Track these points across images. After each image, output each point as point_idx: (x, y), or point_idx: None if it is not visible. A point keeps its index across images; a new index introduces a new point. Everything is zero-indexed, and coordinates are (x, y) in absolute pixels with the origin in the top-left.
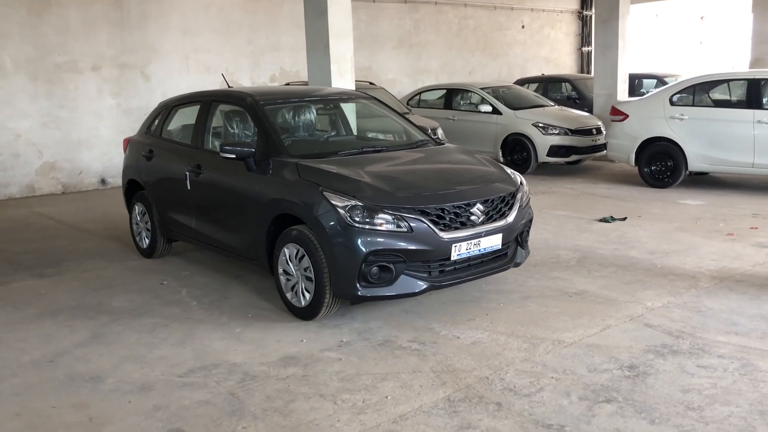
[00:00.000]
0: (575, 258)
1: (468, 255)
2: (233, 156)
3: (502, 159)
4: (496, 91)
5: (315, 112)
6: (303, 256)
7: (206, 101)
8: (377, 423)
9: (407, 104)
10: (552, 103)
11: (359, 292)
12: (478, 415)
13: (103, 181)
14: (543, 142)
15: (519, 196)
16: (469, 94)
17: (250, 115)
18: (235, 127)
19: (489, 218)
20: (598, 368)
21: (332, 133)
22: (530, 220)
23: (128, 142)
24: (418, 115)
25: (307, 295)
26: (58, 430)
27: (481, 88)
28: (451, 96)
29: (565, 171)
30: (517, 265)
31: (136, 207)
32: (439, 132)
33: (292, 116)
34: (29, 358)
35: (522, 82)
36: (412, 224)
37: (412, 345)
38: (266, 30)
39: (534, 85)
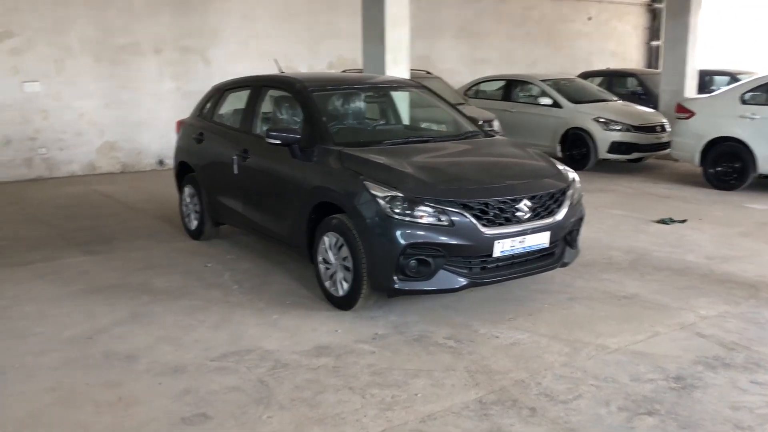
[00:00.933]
0: (628, 260)
1: (512, 252)
2: (278, 142)
3: (560, 154)
4: (558, 84)
5: (364, 100)
6: (342, 245)
7: (256, 86)
8: (404, 421)
9: (465, 95)
10: (615, 98)
11: (396, 285)
12: (509, 419)
13: (160, 162)
14: (604, 138)
15: (569, 192)
16: (529, 85)
17: (297, 101)
18: (283, 112)
19: (536, 215)
20: (642, 378)
21: (381, 122)
22: (581, 219)
23: (180, 125)
24: (474, 106)
25: (345, 285)
26: (87, 408)
27: (542, 80)
28: (511, 87)
29: (625, 169)
30: (564, 264)
31: (186, 189)
32: (495, 124)
33: (340, 103)
34: (70, 334)
35: (586, 75)
36: (453, 218)
37: (447, 342)
38: (325, 16)
39: (598, 79)
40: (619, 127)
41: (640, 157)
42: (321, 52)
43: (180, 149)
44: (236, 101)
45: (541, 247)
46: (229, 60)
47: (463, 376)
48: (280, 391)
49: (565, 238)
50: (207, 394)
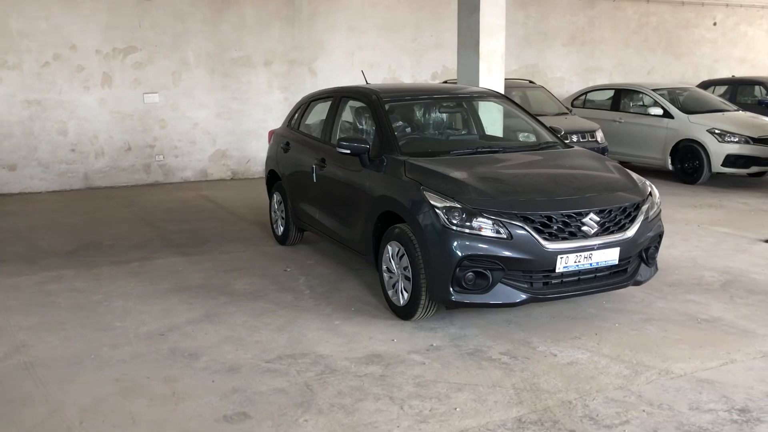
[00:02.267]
0: (720, 281)
1: (577, 268)
2: (348, 151)
3: (670, 167)
4: (672, 93)
5: (439, 111)
6: (403, 254)
7: (337, 97)
8: None
9: (572, 104)
10: (736, 108)
11: (453, 297)
12: None
13: None
14: (718, 151)
15: (644, 207)
16: (639, 95)
17: (371, 112)
18: (363, 123)
19: (605, 230)
20: (702, 407)
21: (455, 132)
22: (659, 235)
23: (272, 134)
24: (578, 116)
25: (406, 295)
26: (142, 400)
27: (653, 89)
28: (619, 97)
29: (743, 183)
30: (637, 283)
31: (275, 196)
32: (598, 135)
33: (414, 114)
34: (146, 330)
35: (707, 84)
36: (512, 231)
37: (502, 358)
38: (430, 28)
39: (722, 88)
40: (735, 139)
41: (761, 171)
42: (425, 63)
43: (270, 158)
44: (320, 112)
45: (610, 263)
46: (335, 71)
47: (508, 393)
48: (323, 396)
49: (640, 255)
50: (253, 394)
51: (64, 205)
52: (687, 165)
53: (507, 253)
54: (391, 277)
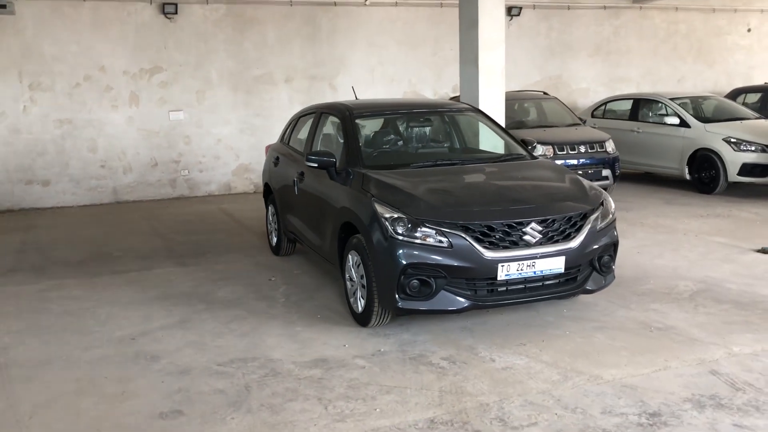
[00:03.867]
0: (692, 290)
1: (521, 276)
2: (316, 165)
3: (687, 177)
4: (695, 102)
5: (408, 125)
6: (360, 263)
7: (318, 113)
8: None
9: (592, 114)
10: (757, 116)
11: (399, 304)
12: None
13: None
14: (734, 160)
15: (592, 217)
16: (657, 104)
17: (342, 127)
18: (340, 138)
19: (549, 239)
20: (615, 411)
21: (423, 145)
22: (614, 244)
23: (268, 149)
24: (590, 126)
25: (362, 302)
26: (92, 398)
27: (672, 98)
28: (638, 106)
29: (760, 193)
30: (588, 291)
31: (270, 208)
32: (608, 145)
33: (383, 128)
34: (120, 334)
35: (737, 92)
36: (452, 240)
37: (441, 362)
38: (451, 42)
39: (755, 96)
40: (752, 148)
41: None
42: (445, 77)
43: (264, 172)
44: (305, 127)
45: (556, 272)
46: (355, 86)
47: (432, 396)
48: (257, 396)
49: (592, 264)
50: (194, 394)
51: (90, 218)
52: (704, 174)
53: (447, 261)
54: (352, 285)
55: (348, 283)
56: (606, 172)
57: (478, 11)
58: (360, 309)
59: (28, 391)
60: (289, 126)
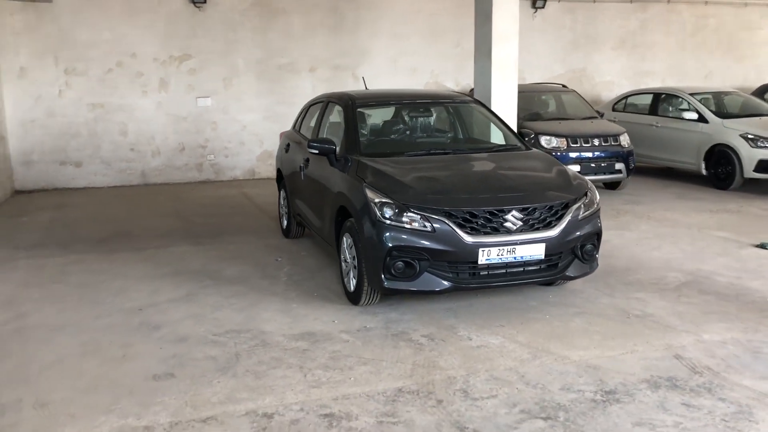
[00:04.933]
0: (679, 282)
1: (501, 261)
2: (317, 151)
3: (704, 172)
4: (717, 97)
5: (407, 115)
6: (352, 245)
7: (325, 102)
8: (318, 397)
9: (613, 108)
10: None
11: (384, 284)
12: (409, 407)
13: None
14: (750, 156)
15: (574, 207)
16: (677, 99)
17: (344, 115)
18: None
19: (530, 226)
20: (573, 388)
21: (420, 135)
22: (596, 234)
23: (282, 135)
24: (607, 120)
25: (354, 282)
26: (95, 360)
27: (692, 93)
28: (658, 101)
29: None
30: (568, 278)
31: (281, 192)
32: (623, 139)
33: (384, 117)
34: (129, 305)
35: (765, 88)
36: (435, 225)
37: (420, 339)
38: (473, 34)
39: None
40: None
41: None
42: (467, 69)
43: (277, 158)
44: (313, 115)
45: (536, 258)
46: (378, 76)
47: (405, 368)
48: (245, 363)
49: (574, 252)
50: (188, 360)
51: (117, 199)
52: (720, 170)
53: (430, 245)
54: (346, 266)
55: (343, 264)
56: (619, 166)
57: (492, 4)
58: (352, 288)
59: (40, 352)
60: (300, 114)
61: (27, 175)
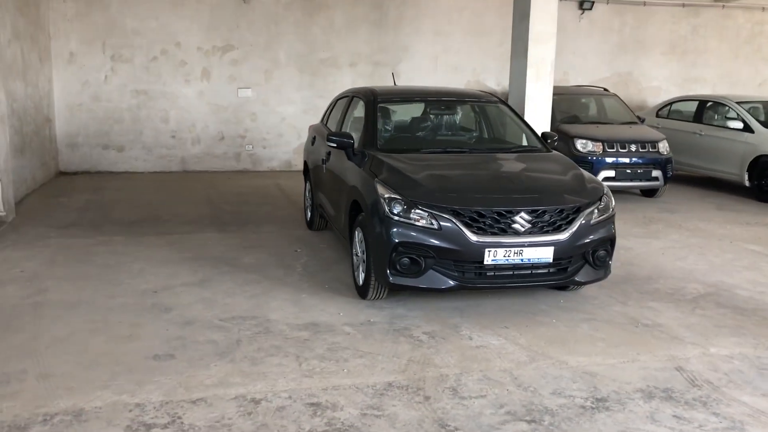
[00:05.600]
0: (698, 294)
1: (508, 262)
2: (335, 145)
3: (747, 183)
4: (767, 106)
5: (429, 112)
6: (362, 239)
7: (350, 96)
8: (309, 386)
9: (657, 114)
10: None
11: (390, 279)
12: (396, 401)
13: None
14: None
15: (586, 211)
16: (724, 107)
17: (365, 110)
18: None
19: (540, 229)
20: (563, 393)
21: (439, 132)
22: (610, 240)
23: (310, 129)
24: (647, 126)
25: (363, 276)
26: (103, 337)
27: (740, 102)
28: (703, 108)
29: None
30: (577, 283)
31: (307, 185)
32: (661, 146)
33: (405, 114)
34: (145, 288)
35: None
36: (442, 223)
37: (421, 336)
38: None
39: None
40: None
41: None
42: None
43: (304, 150)
44: (340, 110)
45: (544, 261)
46: (417, 73)
47: (400, 363)
48: (245, 349)
49: (585, 257)
50: (190, 342)
51: (155, 184)
52: (764, 182)
53: (436, 243)
54: (357, 260)
55: (354, 257)
56: (656, 173)
57: (530, 3)
58: (361, 282)
59: (52, 326)
60: (329, 108)
61: (71, 158)
